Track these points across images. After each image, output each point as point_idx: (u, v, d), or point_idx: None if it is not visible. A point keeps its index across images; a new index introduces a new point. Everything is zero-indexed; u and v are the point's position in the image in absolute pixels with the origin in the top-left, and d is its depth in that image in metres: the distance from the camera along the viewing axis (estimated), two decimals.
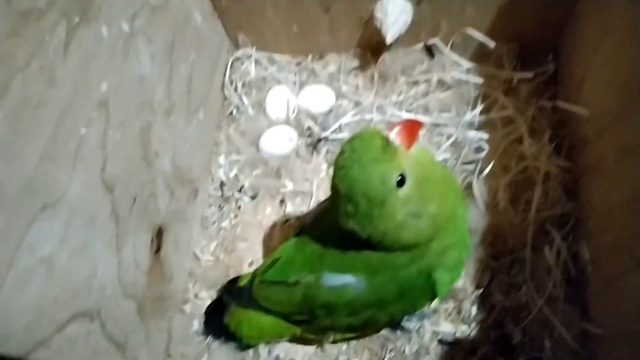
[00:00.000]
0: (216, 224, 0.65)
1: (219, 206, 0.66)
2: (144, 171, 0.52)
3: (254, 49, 0.71)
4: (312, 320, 0.48)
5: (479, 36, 0.62)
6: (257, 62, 0.72)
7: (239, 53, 0.71)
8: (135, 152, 0.50)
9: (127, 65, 0.48)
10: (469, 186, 0.59)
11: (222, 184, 0.67)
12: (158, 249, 0.55)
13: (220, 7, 0.66)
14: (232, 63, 0.71)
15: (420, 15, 0.61)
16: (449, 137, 0.63)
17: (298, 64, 0.72)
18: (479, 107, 0.63)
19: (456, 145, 0.62)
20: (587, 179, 0.54)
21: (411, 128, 0.38)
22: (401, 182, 0.37)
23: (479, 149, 0.61)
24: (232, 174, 0.67)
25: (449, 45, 0.65)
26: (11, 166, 0.35)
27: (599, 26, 0.54)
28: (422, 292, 0.44)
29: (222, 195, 0.66)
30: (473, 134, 0.62)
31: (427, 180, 0.39)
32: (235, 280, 0.55)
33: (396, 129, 0.37)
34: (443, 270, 0.43)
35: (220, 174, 0.67)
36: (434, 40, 0.65)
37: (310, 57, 0.72)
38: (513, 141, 0.60)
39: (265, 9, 0.65)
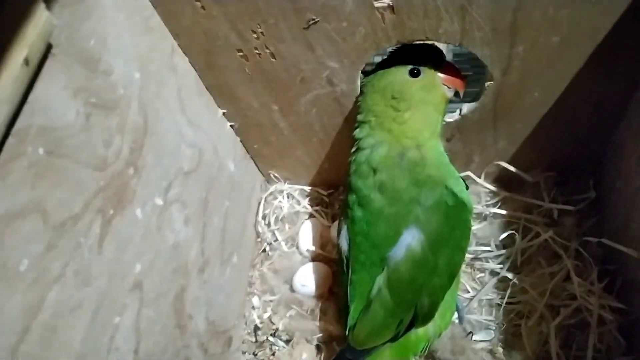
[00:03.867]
0: None
1: (253, 353, 0.64)
2: (178, 339, 0.51)
3: (286, 183, 0.72)
4: (415, 315, 0.48)
5: (512, 169, 0.61)
6: (289, 195, 0.72)
7: (272, 188, 0.72)
8: (169, 323, 0.49)
9: (161, 237, 0.48)
10: (516, 332, 0.56)
11: (255, 328, 0.65)
12: None
13: (252, 150, 0.67)
14: (265, 199, 0.71)
15: (452, 149, 0.60)
16: (492, 274, 0.60)
17: (329, 194, 0.72)
18: (520, 242, 0.60)
19: (501, 283, 0.59)
20: None
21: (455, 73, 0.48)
22: (416, 73, 0.47)
23: (523, 290, 0.58)
24: (266, 316, 0.65)
25: (482, 176, 0.64)
26: None
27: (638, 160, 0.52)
28: (457, 208, 0.48)
29: (256, 340, 0.64)
30: (515, 273, 0.59)
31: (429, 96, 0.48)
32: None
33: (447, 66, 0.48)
34: (450, 181, 0.49)
35: (254, 317, 0.66)
36: (467, 173, 0.64)
37: (341, 189, 0.72)
38: (560, 280, 0.57)
39: (296, 151, 0.66)
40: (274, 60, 0.51)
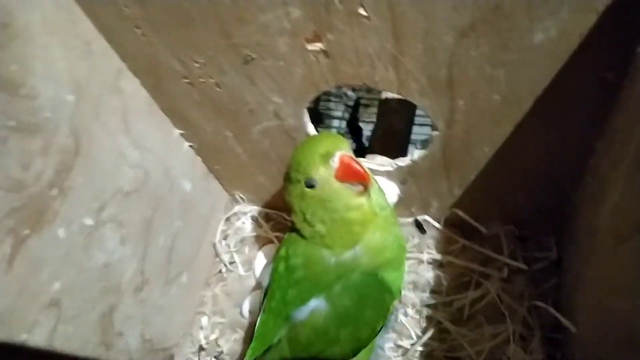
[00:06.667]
0: None
1: None
2: (102, 355, 0.51)
3: (252, 204, 0.72)
4: None
5: (469, 219, 0.58)
6: (252, 218, 0.72)
7: (236, 209, 0.72)
8: (91, 339, 0.50)
9: (88, 257, 0.49)
10: None
11: (200, 349, 0.65)
12: None
13: (214, 170, 0.67)
14: (228, 218, 0.71)
15: (408, 191, 0.59)
16: (437, 324, 0.58)
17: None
18: (470, 293, 0.58)
19: (442, 334, 0.57)
20: None
21: (351, 170, 0.42)
22: (310, 185, 0.43)
23: (462, 346, 0.55)
24: (212, 337, 0.65)
25: (442, 221, 0.62)
26: None
27: (589, 230, 0.48)
28: (377, 291, 0.47)
29: None
30: (459, 327, 0.56)
31: (333, 207, 0.43)
32: None
33: (339, 165, 0.42)
34: (390, 271, 0.47)
35: (201, 337, 0.66)
36: (425, 217, 0.62)
37: None
38: (501, 342, 0.54)
39: (257, 176, 0.65)
40: (219, 89, 0.51)
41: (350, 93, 0.92)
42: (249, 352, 0.51)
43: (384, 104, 0.80)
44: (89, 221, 0.49)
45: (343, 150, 0.42)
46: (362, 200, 0.43)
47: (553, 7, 0.34)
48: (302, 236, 0.47)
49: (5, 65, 0.39)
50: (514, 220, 0.59)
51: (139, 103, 0.54)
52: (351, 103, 0.93)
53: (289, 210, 0.69)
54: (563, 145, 0.47)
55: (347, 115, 0.99)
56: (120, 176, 0.52)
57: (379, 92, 0.86)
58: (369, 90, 1.03)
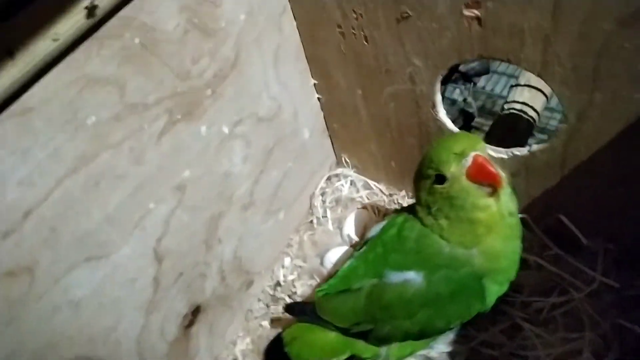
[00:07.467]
0: (258, 319, 0.67)
1: (267, 305, 0.68)
2: (201, 253, 0.57)
3: (354, 170, 0.76)
4: (372, 330, 0.50)
5: (572, 227, 0.58)
6: (352, 183, 0.75)
7: (339, 171, 0.76)
8: (197, 234, 0.56)
9: (216, 160, 0.55)
10: None
11: (277, 284, 0.69)
12: (190, 324, 0.59)
13: (332, 129, 0.72)
14: (329, 177, 0.76)
15: (517, 186, 0.59)
16: (510, 319, 0.58)
17: (390, 195, 0.74)
18: (551, 299, 0.57)
19: (514, 331, 0.57)
20: None
21: (484, 171, 0.42)
22: (441, 180, 0.44)
23: (533, 346, 0.55)
24: (290, 277, 0.69)
25: (542, 225, 0.62)
26: (73, 219, 0.42)
27: None
28: (473, 294, 0.47)
29: (273, 294, 0.69)
30: (533, 327, 0.56)
31: (461, 205, 0.44)
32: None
33: (472, 164, 0.43)
34: (492, 281, 0.48)
35: (280, 275, 0.70)
36: (524, 216, 0.62)
37: (403, 193, 0.73)
38: (573, 350, 0.53)
39: (369, 142, 0.69)
40: (366, 44, 0.55)
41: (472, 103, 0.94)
42: (324, 285, 0.54)
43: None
44: (225, 129, 0.55)
45: (479, 150, 0.43)
46: (491, 202, 0.44)
47: None
48: (421, 221, 0.49)
49: None
50: (618, 240, 0.58)
51: (290, 45, 0.60)
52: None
53: (388, 184, 0.74)
54: None
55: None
56: (259, 101, 0.58)
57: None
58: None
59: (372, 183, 0.75)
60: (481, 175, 0.43)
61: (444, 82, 0.87)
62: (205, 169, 0.54)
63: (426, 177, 0.46)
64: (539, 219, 0.62)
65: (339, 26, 0.55)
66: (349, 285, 0.52)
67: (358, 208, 0.73)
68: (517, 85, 0.80)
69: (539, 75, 0.47)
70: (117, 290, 0.48)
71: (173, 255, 0.53)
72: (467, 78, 0.89)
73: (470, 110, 0.84)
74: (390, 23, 0.51)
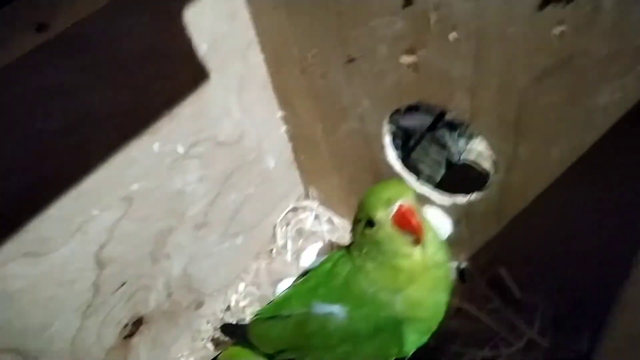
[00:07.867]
0: (204, 341, 0.68)
1: (215, 327, 0.69)
2: (146, 265, 0.59)
3: (319, 203, 0.77)
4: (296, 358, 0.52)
5: (511, 281, 0.58)
6: (316, 216, 0.77)
7: (305, 203, 0.78)
8: (144, 247, 0.58)
9: (169, 176, 0.58)
10: None
11: (227, 308, 0.71)
12: (130, 335, 0.60)
13: (299, 160, 0.74)
14: (294, 208, 0.78)
15: (460, 234, 0.60)
16: None
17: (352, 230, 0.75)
18: (483, 352, 0.57)
19: None
20: None
21: (405, 219, 0.44)
22: (371, 224, 0.46)
23: None
24: (242, 304, 0.71)
25: (483, 275, 0.62)
26: (13, 213, 0.45)
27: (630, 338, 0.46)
28: (390, 338, 0.48)
29: (222, 318, 0.70)
30: None
31: (384, 250, 0.46)
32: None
33: (396, 211, 0.44)
34: (412, 328, 0.48)
35: (232, 299, 0.71)
36: (467, 265, 0.62)
37: None
38: None
39: (332, 176, 0.71)
40: (322, 80, 0.58)
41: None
42: (260, 310, 0.56)
43: None
44: (180, 149, 0.58)
45: (405, 198, 0.45)
46: (414, 251, 0.45)
47: (621, 70, 0.36)
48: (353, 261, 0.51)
49: None
50: (557, 298, 0.57)
51: (256, 75, 0.63)
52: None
53: (350, 220, 0.75)
54: (616, 229, 0.47)
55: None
56: (219, 125, 0.61)
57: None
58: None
59: (335, 219, 0.77)
60: (402, 224, 0.44)
61: (432, 128, 0.90)
62: (155, 183, 0.56)
63: (359, 220, 0.48)
64: (484, 269, 0.62)
65: (300, 61, 0.58)
66: (280, 312, 0.53)
67: (317, 242, 0.74)
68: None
69: (469, 124, 0.49)
70: (55, 288, 0.50)
71: (116, 263, 0.55)
72: (453, 126, 0.90)
73: (453, 160, 0.85)
74: (340, 64, 0.54)
